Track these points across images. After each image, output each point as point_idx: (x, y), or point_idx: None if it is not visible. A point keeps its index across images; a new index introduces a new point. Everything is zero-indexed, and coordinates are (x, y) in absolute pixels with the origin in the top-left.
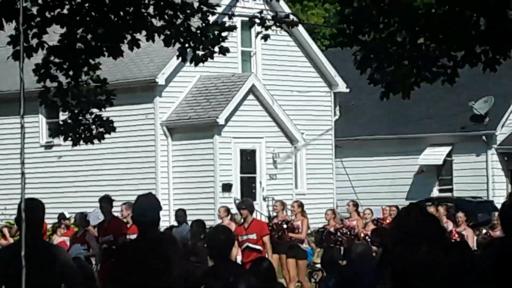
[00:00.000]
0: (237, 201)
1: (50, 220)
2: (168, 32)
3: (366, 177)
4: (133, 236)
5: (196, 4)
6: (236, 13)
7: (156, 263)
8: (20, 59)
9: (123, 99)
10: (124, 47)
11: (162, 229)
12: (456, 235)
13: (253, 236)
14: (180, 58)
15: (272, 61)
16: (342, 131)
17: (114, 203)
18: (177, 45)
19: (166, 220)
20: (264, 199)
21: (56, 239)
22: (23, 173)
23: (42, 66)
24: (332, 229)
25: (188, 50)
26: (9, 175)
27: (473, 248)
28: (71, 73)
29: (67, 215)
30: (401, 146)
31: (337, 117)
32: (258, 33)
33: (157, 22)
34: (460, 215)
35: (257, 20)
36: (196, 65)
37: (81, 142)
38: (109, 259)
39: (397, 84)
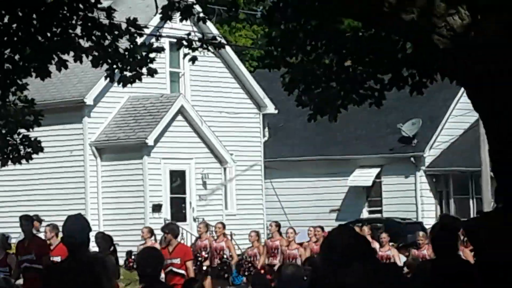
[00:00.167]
0: (167, 222)
1: None
2: (96, 53)
3: (296, 198)
4: (57, 258)
5: (124, 25)
6: (164, 34)
7: (86, 284)
8: None
9: (52, 119)
10: (52, 67)
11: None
12: (382, 256)
13: (177, 261)
14: (108, 79)
15: (201, 82)
16: (271, 152)
17: (43, 223)
18: (105, 66)
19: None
20: (194, 219)
21: None
22: None
23: None
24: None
25: (116, 71)
26: None
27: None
28: None
29: (11, 239)
30: (330, 167)
31: (266, 138)
32: (185, 55)
33: (84, 43)
34: (384, 235)
35: (185, 42)
36: (124, 86)
37: (9, 162)
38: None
39: (324, 106)
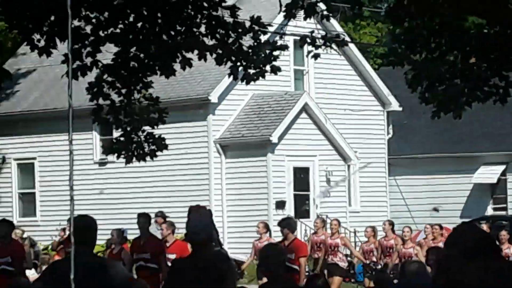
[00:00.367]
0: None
1: (103, 236)
2: (220, 51)
3: (420, 195)
4: (172, 256)
5: (247, 24)
6: (288, 32)
7: (210, 281)
8: (69, 82)
9: (176, 117)
10: (177, 65)
11: None
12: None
13: (291, 256)
14: (231, 77)
15: (325, 80)
16: (395, 150)
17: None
18: (229, 64)
19: (220, 237)
20: (318, 216)
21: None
22: (72, 198)
23: (95, 84)
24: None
25: (240, 68)
26: (64, 192)
27: None
28: (124, 91)
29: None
30: (455, 164)
31: (390, 135)
32: (309, 52)
33: (208, 41)
34: (503, 233)
35: (308, 40)
36: (247, 84)
37: (134, 159)
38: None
39: (448, 104)
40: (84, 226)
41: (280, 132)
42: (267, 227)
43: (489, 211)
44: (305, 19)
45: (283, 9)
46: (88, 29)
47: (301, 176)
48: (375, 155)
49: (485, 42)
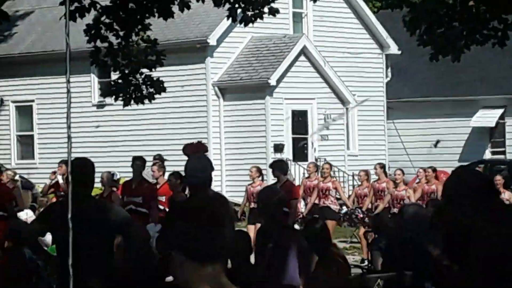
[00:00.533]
0: (288, 162)
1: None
2: None
3: (418, 138)
4: (161, 198)
5: None
6: None
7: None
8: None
9: (174, 60)
10: (175, 7)
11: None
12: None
13: None
14: (230, 19)
15: (324, 23)
16: (394, 93)
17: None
18: (227, 5)
19: (218, 180)
20: (316, 160)
21: None
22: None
23: (93, 26)
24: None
25: (239, 10)
26: (63, 134)
27: None
28: (121, 33)
29: (118, 175)
30: (453, 108)
31: (388, 78)
32: None
33: None
34: (498, 177)
35: None
36: (245, 25)
37: (132, 102)
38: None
39: (447, 46)
40: (81, 168)
41: (279, 75)
42: (259, 171)
43: (487, 155)
44: None
45: None
46: None
47: (299, 119)
48: (374, 98)
49: None
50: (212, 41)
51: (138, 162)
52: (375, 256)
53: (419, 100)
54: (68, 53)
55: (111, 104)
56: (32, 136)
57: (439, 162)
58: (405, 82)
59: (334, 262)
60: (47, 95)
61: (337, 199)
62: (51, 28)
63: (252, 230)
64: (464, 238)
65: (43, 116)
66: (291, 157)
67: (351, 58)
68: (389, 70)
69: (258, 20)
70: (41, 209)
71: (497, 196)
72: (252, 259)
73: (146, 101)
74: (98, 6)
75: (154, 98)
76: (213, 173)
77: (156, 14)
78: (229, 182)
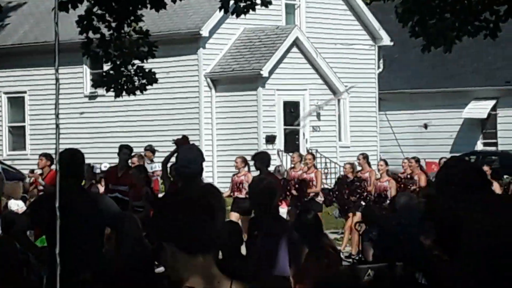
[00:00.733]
0: (280, 153)
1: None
2: None
3: (409, 129)
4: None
5: None
6: None
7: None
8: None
9: (167, 51)
10: None
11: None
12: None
13: None
14: (223, 11)
15: (316, 14)
16: (386, 84)
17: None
18: None
19: (210, 171)
20: (307, 151)
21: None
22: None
23: (85, 17)
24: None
25: (231, 2)
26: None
27: None
28: (113, 24)
29: (108, 167)
30: (445, 99)
31: (380, 70)
32: None
33: None
34: (485, 168)
35: None
36: (238, 16)
37: (124, 93)
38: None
39: (438, 38)
40: (71, 159)
41: (271, 66)
42: (245, 162)
43: (479, 146)
44: None
45: None
46: None
47: (291, 111)
48: (366, 89)
49: None
50: (204, 32)
51: (126, 150)
52: (366, 247)
53: (411, 91)
54: (57, 42)
55: (103, 95)
56: (23, 127)
57: (431, 154)
58: (397, 73)
59: (326, 253)
60: (39, 86)
61: (323, 189)
62: (43, 20)
63: (233, 217)
64: (456, 228)
65: (35, 107)
66: (282, 148)
67: (344, 49)
68: (381, 61)
69: (251, 11)
70: (32, 200)
71: (489, 187)
72: (243, 250)
73: (138, 92)
74: None
75: (146, 89)
76: (205, 164)
77: (149, 5)
78: (221, 174)
